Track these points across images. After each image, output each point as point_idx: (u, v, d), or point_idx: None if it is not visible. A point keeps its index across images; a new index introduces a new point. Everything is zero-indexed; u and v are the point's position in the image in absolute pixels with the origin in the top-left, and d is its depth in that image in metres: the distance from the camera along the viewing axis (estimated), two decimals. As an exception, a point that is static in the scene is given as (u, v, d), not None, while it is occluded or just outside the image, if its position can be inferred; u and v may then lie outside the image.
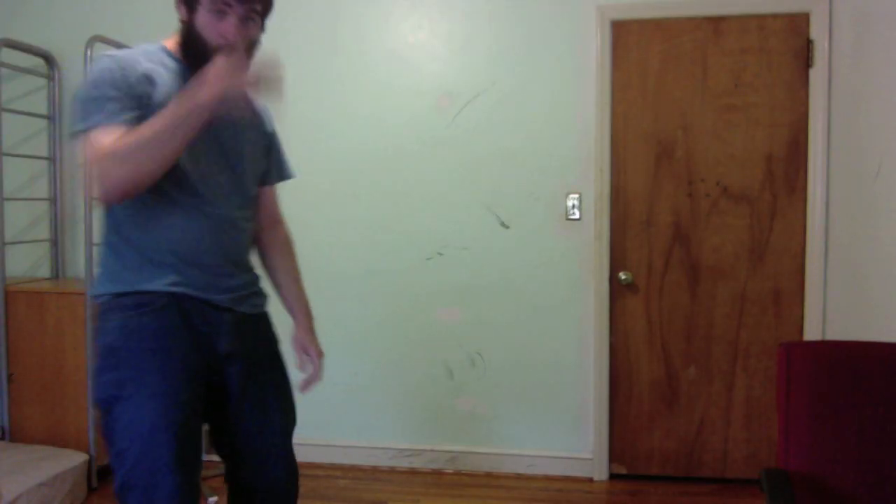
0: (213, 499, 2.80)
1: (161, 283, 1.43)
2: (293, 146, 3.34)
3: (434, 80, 3.06)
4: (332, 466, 3.19)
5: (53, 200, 3.28)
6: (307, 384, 1.74)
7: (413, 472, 3.13)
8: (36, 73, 3.22)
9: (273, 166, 1.81)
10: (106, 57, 1.40)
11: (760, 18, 2.84)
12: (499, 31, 3.01)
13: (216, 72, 1.28)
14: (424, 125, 3.07)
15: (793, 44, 2.83)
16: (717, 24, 2.87)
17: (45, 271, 3.32)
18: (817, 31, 2.78)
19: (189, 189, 1.45)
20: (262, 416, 1.57)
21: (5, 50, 3.04)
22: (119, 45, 3.13)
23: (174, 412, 1.41)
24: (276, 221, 1.84)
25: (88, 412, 2.89)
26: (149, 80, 1.38)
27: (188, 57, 1.44)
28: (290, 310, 1.78)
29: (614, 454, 3.05)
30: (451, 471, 3.13)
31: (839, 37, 2.73)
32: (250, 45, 1.49)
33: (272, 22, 3.26)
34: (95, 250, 3.10)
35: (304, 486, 3.11)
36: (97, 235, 3.17)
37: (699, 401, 2.98)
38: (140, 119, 1.32)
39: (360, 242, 3.14)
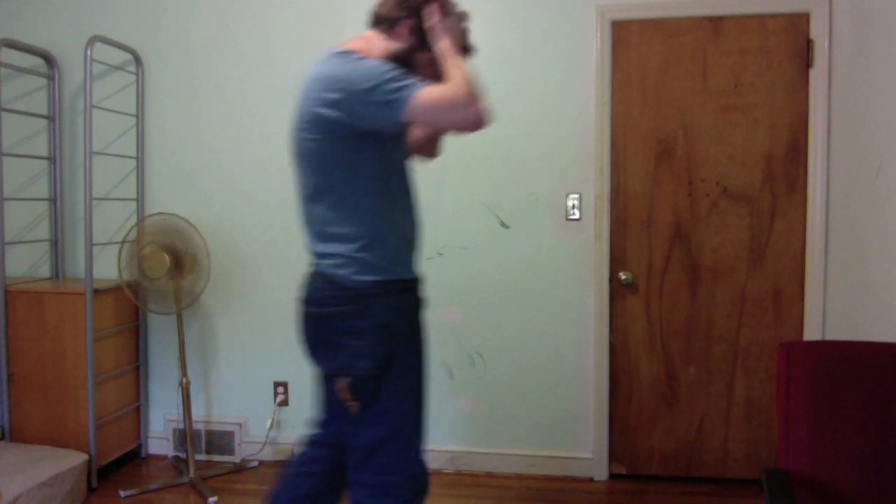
0: (213, 499, 2.80)
1: (411, 271, 1.74)
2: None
3: (434, 80, 3.06)
4: (332, 466, 3.19)
5: (53, 200, 3.28)
6: None
7: (413, 472, 3.13)
8: (36, 73, 3.22)
9: None
10: (359, 59, 1.61)
11: (760, 18, 2.84)
12: (499, 31, 3.01)
13: (443, 31, 1.68)
14: (424, 125, 3.07)
15: (793, 44, 2.83)
16: (717, 23, 2.87)
17: (45, 271, 3.32)
18: (817, 31, 2.78)
19: (409, 180, 1.74)
20: None
21: (5, 50, 3.05)
22: (119, 45, 3.13)
23: (424, 378, 1.73)
24: None
25: (88, 412, 2.89)
26: None
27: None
28: None
29: (614, 454, 3.05)
30: (451, 471, 3.13)
31: (839, 37, 2.73)
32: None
33: (271, 19, 3.26)
34: (96, 250, 3.11)
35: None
36: (97, 235, 3.18)
37: (699, 401, 2.98)
38: None
39: (360, 242, 3.14)
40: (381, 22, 1.72)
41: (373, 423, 1.66)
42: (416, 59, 1.71)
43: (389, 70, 1.57)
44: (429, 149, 1.92)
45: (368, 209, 1.65)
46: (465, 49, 1.77)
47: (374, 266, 1.65)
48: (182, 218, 3.02)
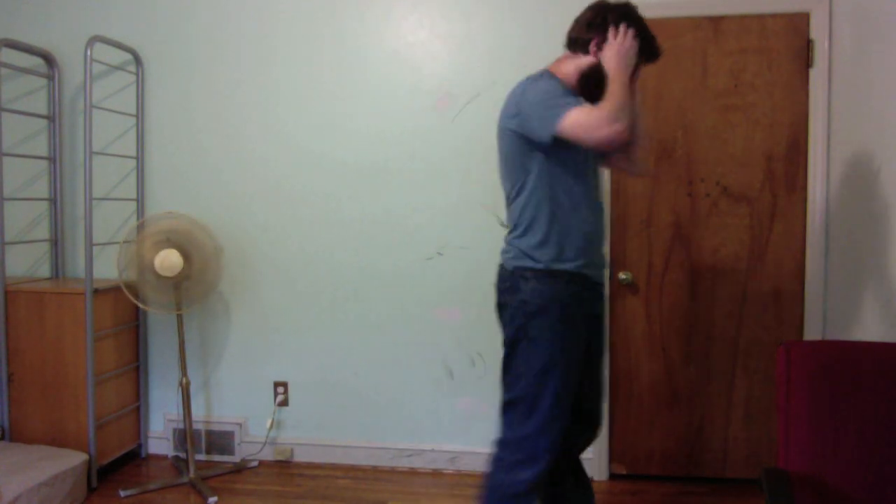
0: (213, 499, 2.80)
1: (563, 263, 1.95)
2: (292, 146, 3.35)
3: (434, 80, 3.06)
4: (332, 466, 3.19)
5: (53, 200, 3.28)
6: None
7: (413, 472, 3.13)
8: (36, 73, 3.22)
9: None
10: (541, 79, 1.93)
11: (760, 18, 2.84)
12: (498, 31, 3.01)
13: (617, 56, 1.89)
14: (424, 125, 3.07)
15: (793, 44, 2.83)
16: (717, 23, 2.87)
17: (45, 271, 3.32)
18: (817, 31, 2.78)
19: (577, 186, 1.96)
20: (597, 358, 2.16)
21: (5, 50, 3.04)
22: (119, 45, 3.13)
23: (561, 356, 1.92)
24: None
25: (88, 412, 2.89)
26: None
27: (583, 92, 1.96)
28: None
29: (614, 454, 3.05)
30: (451, 471, 3.13)
31: (839, 37, 2.73)
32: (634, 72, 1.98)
33: (271, 20, 3.26)
34: (96, 250, 3.10)
35: (304, 486, 3.13)
36: (97, 235, 3.18)
37: (699, 401, 2.98)
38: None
39: (360, 242, 3.14)
40: (574, 44, 2.02)
41: (507, 387, 1.99)
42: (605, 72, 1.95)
43: (554, 92, 1.88)
44: (628, 166, 2.19)
45: (528, 208, 1.96)
46: (650, 56, 2.03)
47: (525, 254, 1.96)
48: (192, 218, 3.03)
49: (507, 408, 1.98)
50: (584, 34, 1.98)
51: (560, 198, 1.95)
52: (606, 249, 2.96)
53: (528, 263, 1.95)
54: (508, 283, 1.99)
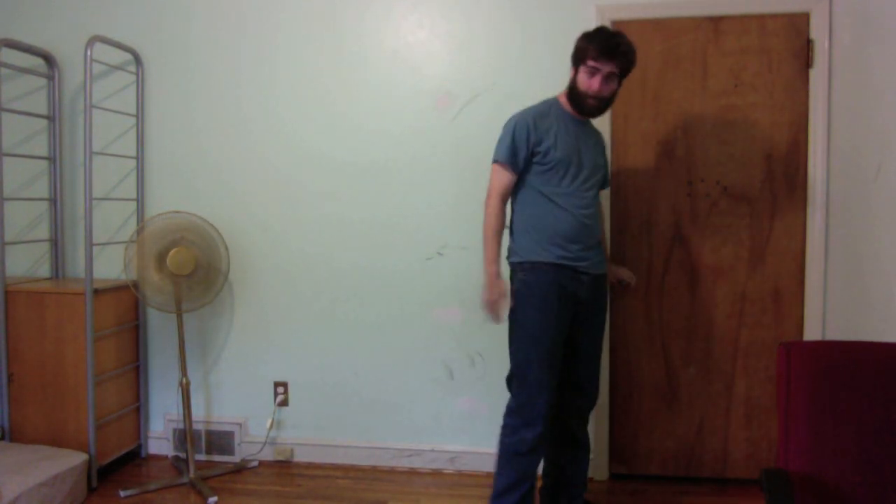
0: (213, 499, 2.80)
1: (545, 256, 2.30)
2: (292, 146, 3.35)
3: (434, 80, 3.06)
4: (332, 466, 3.19)
5: (53, 200, 3.28)
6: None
7: (413, 472, 3.13)
8: (36, 73, 3.22)
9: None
10: (518, 114, 2.37)
11: (760, 18, 2.84)
12: (498, 31, 3.01)
13: (489, 287, 2.33)
14: (424, 125, 3.07)
15: (793, 44, 2.83)
16: (717, 24, 2.87)
17: (45, 271, 3.32)
18: (817, 31, 2.78)
19: (559, 193, 2.32)
20: (588, 336, 2.45)
21: (5, 50, 3.04)
22: (119, 45, 3.13)
23: (545, 333, 2.28)
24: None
25: (88, 412, 2.89)
26: (538, 127, 2.31)
27: (573, 104, 2.37)
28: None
29: (614, 454, 3.05)
30: (451, 471, 3.13)
31: (839, 37, 2.73)
32: (610, 98, 2.36)
33: (271, 20, 3.28)
34: (96, 250, 3.11)
35: (304, 486, 3.13)
36: (97, 235, 3.19)
37: (699, 401, 2.98)
38: (525, 159, 2.32)
39: (360, 242, 3.14)
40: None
41: (510, 357, 2.37)
42: (578, 85, 2.33)
43: (506, 136, 2.33)
44: None
45: (519, 214, 2.37)
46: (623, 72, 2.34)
47: (513, 251, 2.39)
48: (200, 217, 3.03)
49: (512, 378, 2.36)
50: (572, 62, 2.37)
51: (537, 204, 2.32)
52: (605, 248, 2.97)
53: (516, 259, 2.36)
54: (510, 275, 2.38)
